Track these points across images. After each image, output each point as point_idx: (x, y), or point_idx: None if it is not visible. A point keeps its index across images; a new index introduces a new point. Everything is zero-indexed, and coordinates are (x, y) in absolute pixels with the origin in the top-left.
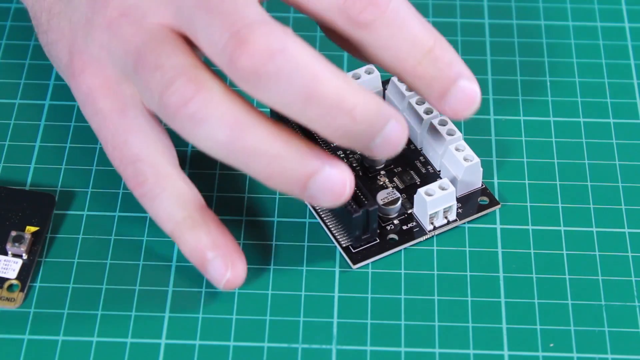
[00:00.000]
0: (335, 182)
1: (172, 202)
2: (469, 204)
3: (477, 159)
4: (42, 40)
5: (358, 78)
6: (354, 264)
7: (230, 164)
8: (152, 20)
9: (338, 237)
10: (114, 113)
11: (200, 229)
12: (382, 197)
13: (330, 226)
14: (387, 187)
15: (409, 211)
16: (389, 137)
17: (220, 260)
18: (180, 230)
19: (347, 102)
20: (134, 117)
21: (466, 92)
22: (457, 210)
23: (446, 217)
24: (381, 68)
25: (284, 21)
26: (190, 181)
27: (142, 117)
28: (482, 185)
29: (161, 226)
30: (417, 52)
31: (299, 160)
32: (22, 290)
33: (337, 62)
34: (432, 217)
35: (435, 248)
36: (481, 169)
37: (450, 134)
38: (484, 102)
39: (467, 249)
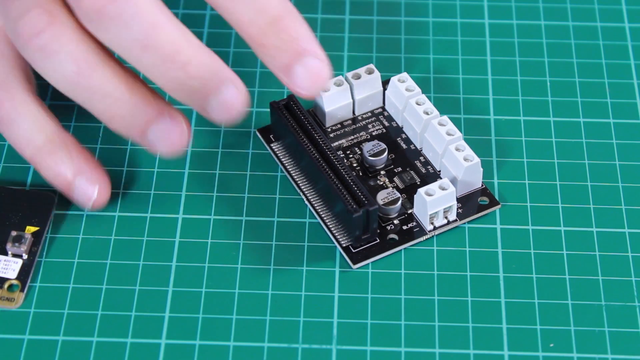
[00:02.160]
0: (172, 131)
1: (30, 126)
2: (469, 204)
3: (477, 159)
4: None
5: (358, 78)
6: (354, 264)
7: (77, 100)
8: None
9: (338, 237)
10: None
11: (61, 152)
12: (382, 197)
13: (330, 226)
14: (387, 187)
15: (409, 211)
16: (225, 101)
17: (85, 181)
18: (40, 155)
19: (182, 54)
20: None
21: (311, 69)
22: (457, 210)
23: (446, 217)
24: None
25: None
26: (48, 110)
27: (4, 45)
28: (482, 185)
29: (21, 152)
30: (260, 19)
31: (141, 106)
32: (22, 290)
33: (337, 62)
34: (432, 217)
35: (435, 248)
36: (481, 169)
37: (450, 134)
38: (484, 102)
39: (467, 249)
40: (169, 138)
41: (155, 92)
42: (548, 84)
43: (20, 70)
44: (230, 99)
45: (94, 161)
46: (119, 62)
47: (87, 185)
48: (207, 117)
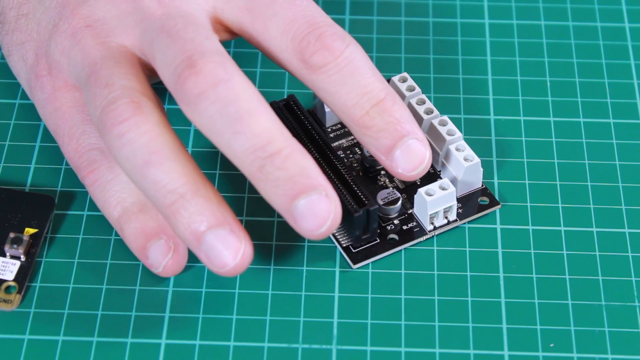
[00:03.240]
0: (228, 246)
1: (123, 187)
2: (469, 204)
3: (477, 159)
4: (4, 40)
5: None
6: (354, 263)
7: (143, 191)
8: (116, 40)
9: (338, 237)
10: (74, 108)
11: (147, 213)
12: (382, 197)
13: None
14: (387, 187)
15: (409, 211)
16: (313, 208)
17: (164, 242)
18: (127, 215)
19: (273, 145)
20: None
21: (414, 151)
22: (457, 210)
23: (446, 217)
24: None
25: None
26: None
27: None
28: (482, 185)
29: (108, 212)
30: (365, 101)
31: (202, 210)
32: (19, 292)
33: None
34: (432, 217)
35: (435, 248)
36: (481, 169)
37: (450, 134)
38: (484, 102)
39: (467, 249)
40: (222, 253)
41: (223, 200)
42: (548, 84)
43: None
44: (320, 207)
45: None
46: (193, 162)
47: (164, 247)
48: (292, 225)
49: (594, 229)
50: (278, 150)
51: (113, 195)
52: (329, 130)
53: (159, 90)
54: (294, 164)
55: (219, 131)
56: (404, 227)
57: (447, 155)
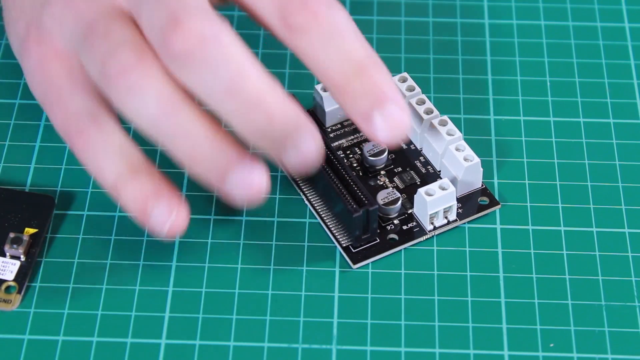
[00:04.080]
0: (252, 177)
1: (115, 150)
2: (469, 204)
3: (477, 159)
4: (5, 18)
5: None
6: (354, 263)
7: (158, 139)
8: (108, 1)
9: (338, 237)
10: (62, 76)
11: (144, 176)
12: (382, 197)
13: (330, 226)
14: (387, 187)
15: (409, 211)
16: (302, 154)
17: (165, 204)
18: (123, 180)
19: (266, 103)
20: (82, 78)
21: (392, 117)
22: (457, 210)
23: (446, 217)
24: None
25: None
26: (130, 138)
27: (88, 80)
28: (482, 185)
29: (102, 178)
30: (346, 66)
31: (223, 149)
32: (19, 292)
33: None
34: (432, 217)
35: (435, 248)
36: (481, 169)
37: (450, 134)
38: (484, 102)
39: (467, 249)
40: (249, 184)
41: (235, 137)
42: (548, 84)
43: (106, 100)
44: (307, 152)
45: (173, 188)
46: (200, 105)
47: (166, 208)
48: (279, 166)
49: (594, 229)
50: (271, 109)
51: (107, 159)
52: (329, 130)
53: None
54: (288, 121)
55: (210, 91)
56: (404, 227)
57: (447, 155)
